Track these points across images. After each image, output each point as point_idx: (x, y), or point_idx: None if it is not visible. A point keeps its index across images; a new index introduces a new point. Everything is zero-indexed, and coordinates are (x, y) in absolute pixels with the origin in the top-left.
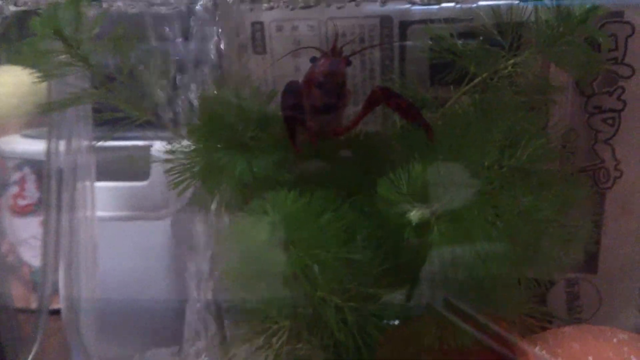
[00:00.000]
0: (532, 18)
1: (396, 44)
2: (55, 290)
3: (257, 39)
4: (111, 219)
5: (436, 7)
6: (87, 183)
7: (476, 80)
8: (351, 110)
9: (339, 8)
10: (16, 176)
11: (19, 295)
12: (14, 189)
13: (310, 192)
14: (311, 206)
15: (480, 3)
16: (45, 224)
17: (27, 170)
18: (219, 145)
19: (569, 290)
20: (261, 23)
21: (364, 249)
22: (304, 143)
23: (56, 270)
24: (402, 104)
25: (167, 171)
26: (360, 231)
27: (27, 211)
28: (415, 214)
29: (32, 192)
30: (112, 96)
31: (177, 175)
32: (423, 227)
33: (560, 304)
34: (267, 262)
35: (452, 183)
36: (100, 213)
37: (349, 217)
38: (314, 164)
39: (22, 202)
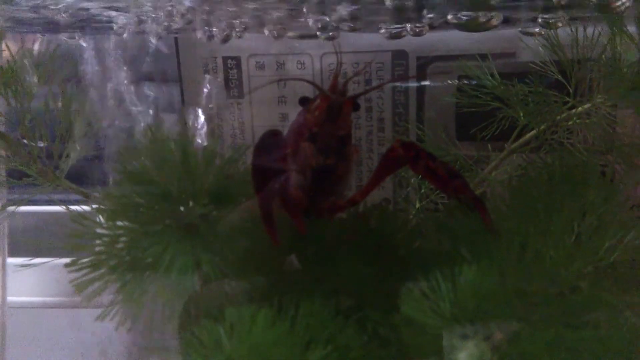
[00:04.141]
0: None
1: (413, 84)
2: None
3: (232, 78)
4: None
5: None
6: None
7: (529, 135)
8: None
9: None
10: None
11: None
12: None
13: (293, 306)
14: (294, 332)
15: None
16: None
17: None
18: (149, 226)
19: None
20: (237, 58)
21: None
22: (286, 226)
23: None
24: (437, 169)
25: (67, 264)
26: None
27: None
28: (467, 354)
29: None
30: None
31: (84, 270)
32: None
33: None
34: None
35: (520, 296)
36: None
37: (355, 350)
38: (300, 260)
39: None
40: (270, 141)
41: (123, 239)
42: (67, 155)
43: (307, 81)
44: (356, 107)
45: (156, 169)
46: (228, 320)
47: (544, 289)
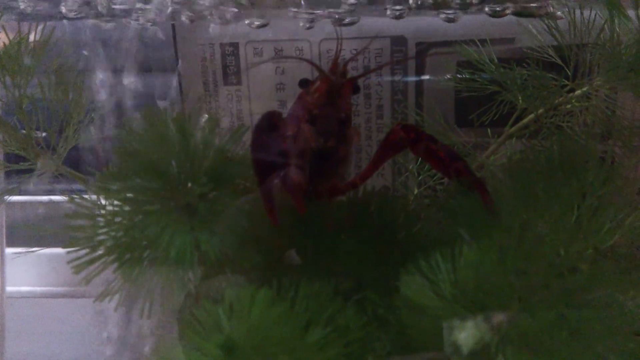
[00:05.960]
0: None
1: (411, 69)
2: None
3: (230, 65)
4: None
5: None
6: None
7: (527, 119)
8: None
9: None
10: None
11: None
12: None
13: (293, 287)
14: (294, 312)
15: None
16: None
17: None
18: (147, 206)
19: None
20: (235, 45)
21: None
22: (285, 208)
23: None
24: (438, 151)
25: (67, 245)
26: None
27: None
28: (467, 335)
29: None
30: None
31: (82, 251)
32: (480, 354)
33: None
34: None
35: (523, 278)
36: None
37: (354, 331)
38: (300, 242)
39: None
40: (270, 122)
41: (121, 219)
42: (65, 141)
43: (308, 61)
44: (356, 89)
45: (155, 149)
46: (227, 300)
47: (544, 270)
